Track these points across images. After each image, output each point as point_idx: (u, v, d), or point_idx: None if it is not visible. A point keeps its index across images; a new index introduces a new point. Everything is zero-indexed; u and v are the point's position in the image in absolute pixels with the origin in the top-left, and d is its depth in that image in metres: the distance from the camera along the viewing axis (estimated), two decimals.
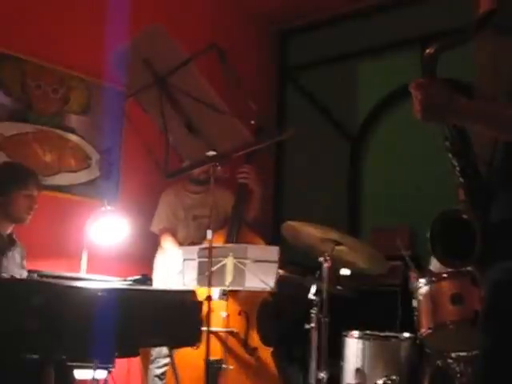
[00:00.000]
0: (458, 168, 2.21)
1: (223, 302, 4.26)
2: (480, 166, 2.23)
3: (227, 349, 4.18)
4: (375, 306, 4.87)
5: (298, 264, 4.81)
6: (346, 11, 6.51)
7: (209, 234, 3.29)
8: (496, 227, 2.10)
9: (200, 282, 3.88)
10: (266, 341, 4.37)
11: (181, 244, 4.75)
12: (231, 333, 4.23)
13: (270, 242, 4.83)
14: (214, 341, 4.08)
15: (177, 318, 3.30)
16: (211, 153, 3.10)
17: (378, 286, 4.85)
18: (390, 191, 6.09)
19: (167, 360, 4.33)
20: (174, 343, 3.45)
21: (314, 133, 6.59)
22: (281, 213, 6.71)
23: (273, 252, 3.95)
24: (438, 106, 2.05)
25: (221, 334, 4.18)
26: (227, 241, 4.55)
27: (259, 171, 5.02)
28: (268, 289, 3.95)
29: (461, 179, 2.22)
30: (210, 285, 3.26)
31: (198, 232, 4.77)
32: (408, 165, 5.89)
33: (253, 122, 4.19)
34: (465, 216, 2.11)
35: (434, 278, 3.58)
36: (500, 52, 2.50)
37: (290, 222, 3.95)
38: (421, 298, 3.64)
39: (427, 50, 2.15)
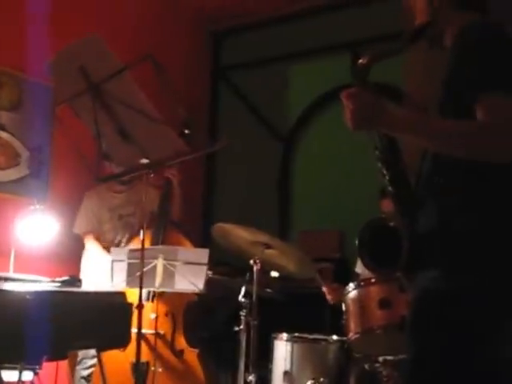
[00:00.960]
0: (387, 177, 2.25)
1: (150, 304, 4.23)
2: (409, 176, 2.28)
3: (154, 351, 4.14)
4: (305, 308, 4.90)
5: (228, 264, 4.82)
6: (279, 14, 6.55)
7: (141, 233, 3.32)
8: (423, 236, 2.14)
9: (129, 284, 3.84)
10: (192, 343, 4.36)
11: (109, 245, 4.69)
12: (158, 335, 4.19)
13: (200, 243, 4.83)
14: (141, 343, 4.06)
15: (106, 320, 3.28)
16: (144, 160, 3.10)
17: (308, 289, 4.88)
18: (319, 193, 6.15)
19: (94, 361, 4.27)
20: (104, 345, 3.41)
21: (246, 134, 6.62)
22: (212, 214, 6.72)
23: (203, 254, 3.97)
24: (368, 116, 2.08)
25: (148, 335, 4.14)
26: (153, 241, 4.49)
27: (184, 171, 4.99)
28: (197, 290, 3.97)
29: (390, 188, 2.25)
30: (141, 287, 3.25)
31: (124, 232, 4.75)
32: (338, 166, 5.97)
33: (187, 131, 4.21)
34: (392, 224, 2.14)
35: (362, 283, 3.62)
36: (431, 64, 2.55)
37: (220, 224, 3.93)
38: (349, 302, 3.68)
39: (360, 60, 2.15)
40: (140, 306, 3.24)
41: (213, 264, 4.24)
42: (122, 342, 3.36)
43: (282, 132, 6.57)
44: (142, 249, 3.28)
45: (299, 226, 6.25)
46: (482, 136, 2.00)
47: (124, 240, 4.72)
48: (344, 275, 4.84)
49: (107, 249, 4.57)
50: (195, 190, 6.39)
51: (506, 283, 2.02)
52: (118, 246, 4.67)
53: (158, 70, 2.68)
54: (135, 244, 4.37)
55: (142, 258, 3.26)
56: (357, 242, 2.20)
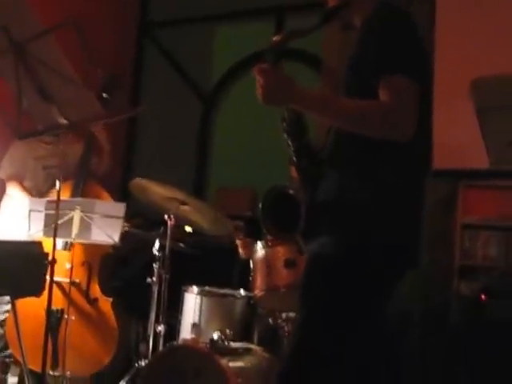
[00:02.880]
0: (292, 148, 2.39)
1: (66, 253, 4.29)
2: (313, 148, 2.43)
3: (69, 299, 4.21)
4: (216, 262, 5.03)
5: (145, 216, 4.90)
6: None
7: (57, 184, 3.38)
8: (320, 204, 2.29)
9: (46, 234, 3.92)
10: (106, 292, 4.45)
11: (28, 193, 4.73)
12: (73, 283, 4.26)
13: (118, 196, 4.89)
14: (56, 291, 4.11)
15: (21, 268, 3.35)
16: (63, 121, 3.16)
17: (220, 244, 4.99)
18: (237, 153, 6.29)
19: (8, 307, 4.32)
20: (18, 293, 3.49)
21: (169, 91, 6.68)
22: (132, 169, 6.78)
23: (120, 208, 4.07)
24: (278, 92, 2.21)
25: (63, 284, 4.21)
26: (73, 193, 4.55)
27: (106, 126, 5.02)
28: (112, 243, 4.07)
29: (294, 158, 2.40)
30: (55, 236, 3.32)
31: (47, 182, 4.79)
32: (256, 129, 6.08)
33: (105, 95, 4.24)
34: (291, 192, 2.28)
35: (269, 243, 3.77)
36: (345, 42, 2.68)
37: (137, 180, 4.01)
38: (257, 260, 3.83)
39: (274, 38, 2.29)
40: (53, 257, 3.31)
41: (130, 216, 4.33)
42: (35, 289, 3.44)
43: (205, 91, 6.66)
44: (58, 200, 3.35)
45: (217, 183, 6.38)
46: (382, 116, 2.14)
47: (45, 190, 4.76)
48: (255, 233, 4.98)
49: (29, 195, 4.63)
50: (116, 145, 6.37)
51: (385, 254, 2.20)
52: (39, 195, 4.70)
53: (79, 34, 2.74)
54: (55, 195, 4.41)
55: (57, 208, 3.33)
56: (259, 207, 2.33)
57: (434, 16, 5.20)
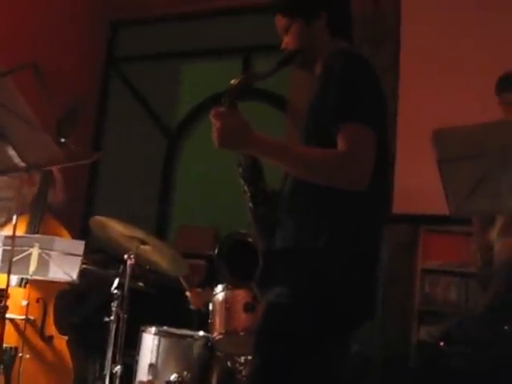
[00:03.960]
0: (248, 194, 2.37)
1: (22, 289, 4.22)
2: (271, 194, 2.41)
3: (23, 337, 4.12)
4: (176, 302, 4.99)
5: (105, 252, 4.84)
6: (179, 11, 6.65)
7: (14, 218, 3.35)
8: (276, 253, 2.27)
9: (2, 270, 3.84)
10: (62, 330, 4.37)
11: None
12: (28, 320, 4.16)
13: (79, 231, 4.84)
14: (10, 328, 4.04)
15: None
16: (20, 163, 3.13)
17: (180, 284, 4.96)
18: (200, 191, 6.28)
19: None
20: None
21: (135, 127, 6.68)
22: (93, 204, 6.73)
23: (78, 246, 4.01)
24: (233, 137, 2.18)
25: (17, 321, 4.12)
26: (29, 227, 4.46)
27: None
28: (70, 280, 4.01)
29: (250, 204, 2.37)
30: (9, 273, 3.28)
31: (1, 214, 4.70)
32: (218, 166, 6.08)
33: (63, 139, 4.21)
34: (250, 239, 2.26)
35: (229, 286, 3.74)
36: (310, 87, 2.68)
37: (97, 217, 3.97)
38: (216, 303, 3.80)
39: (232, 81, 2.27)
40: (6, 294, 3.26)
41: (91, 251, 4.28)
42: None
43: (170, 128, 6.67)
44: (13, 236, 3.33)
45: (179, 220, 6.36)
46: (338, 165, 2.12)
47: (0, 222, 4.68)
48: (216, 274, 4.95)
49: None
50: (78, 180, 6.36)
51: (340, 305, 2.18)
52: None
53: (38, 77, 2.72)
54: (10, 229, 4.35)
55: (13, 244, 3.31)
56: (215, 254, 2.31)
57: (398, 65, 5.28)
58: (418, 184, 4.58)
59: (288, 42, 2.47)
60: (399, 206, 4.39)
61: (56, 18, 6.18)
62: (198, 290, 4.33)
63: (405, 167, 4.87)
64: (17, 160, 3.10)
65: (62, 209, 4.82)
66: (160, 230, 6.35)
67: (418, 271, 5.09)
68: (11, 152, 3.07)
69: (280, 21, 2.50)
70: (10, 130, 3.04)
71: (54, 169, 4.75)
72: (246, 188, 2.37)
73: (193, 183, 6.41)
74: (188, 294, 4.32)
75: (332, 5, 2.47)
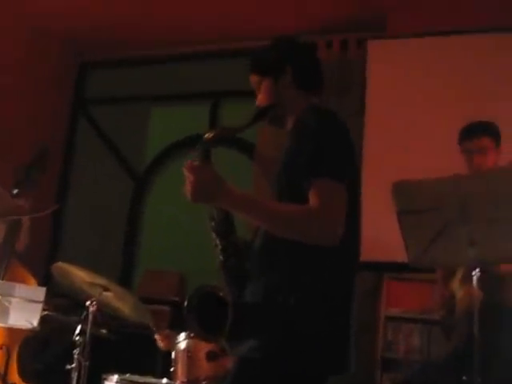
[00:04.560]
0: (219, 247, 2.38)
1: None
2: (242, 247, 2.42)
3: None
4: (139, 349, 4.95)
5: (68, 297, 4.80)
6: (148, 54, 6.71)
7: None
8: (247, 307, 2.27)
9: None
10: (25, 376, 4.31)
11: None
12: None
13: (42, 277, 4.78)
14: None
15: None
16: None
17: (143, 330, 4.92)
18: (166, 235, 6.26)
19: None
20: None
21: (101, 169, 6.66)
22: (58, 248, 6.67)
23: (40, 293, 3.98)
24: (206, 191, 2.19)
25: None
26: None
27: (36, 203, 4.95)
28: (31, 327, 3.95)
29: (221, 257, 2.38)
30: None
31: None
32: (185, 212, 6.08)
33: (16, 191, 4.22)
34: (221, 293, 2.25)
35: (192, 334, 3.73)
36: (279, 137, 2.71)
37: (59, 264, 3.93)
38: (179, 351, 3.79)
39: (206, 135, 2.28)
40: None
41: (53, 295, 4.24)
42: None
43: (137, 171, 6.67)
44: None
45: (145, 264, 6.32)
46: (310, 220, 2.14)
47: None
48: (181, 318, 4.92)
49: None
50: (43, 223, 6.30)
51: (311, 360, 2.18)
52: None
53: None
54: None
55: None
56: (185, 306, 2.30)
57: (364, 112, 5.38)
58: (381, 232, 4.61)
59: (260, 98, 2.53)
60: (363, 254, 4.42)
61: (24, 56, 6.21)
62: (167, 331, 4.30)
63: (368, 215, 4.89)
64: None
65: (27, 253, 4.78)
66: (126, 274, 6.32)
67: (382, 318, 5.11)
68: None
69: (252, 78, 2.57)
70: None
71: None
72: (217, 241, 2.38)
73: (159, 227, 6.39)
74: (157, 336, 4.28)
75: (297, 61, 2.52)
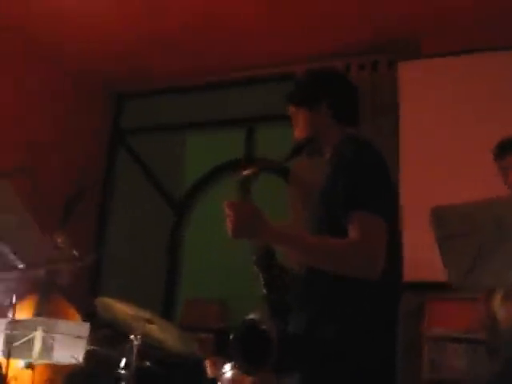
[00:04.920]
0: (262, 280, 2.40)
1: (29, 371, 4.10)
2: (285, 280, 2.44)
3: None
4: (185, 380, 4.96)
5: (113, 327, 4.83)
6: (182, 83, 6.78)
7: (13, 299, 3.34)
8: (290, 340, 2.27)
9: (6, 354, 3.83)
10: None
11: None
12: None
13: (84, 311, 4.82)
14: None
15: None
16: (18, 263, 3.20)
17: (189, 359, 4.92)
18: (207, 263, 6.29)
19: None
20: None
21: (140, 199, 6.73)
22: (100, 280, 6.73)
23: (84, 328, 4.02)
24: (248, 228, 2.22)
25: None
26: (36, 309, 4.46)
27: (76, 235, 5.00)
28: (76, 363, 3.99)
29: (264, 291, 2.40)
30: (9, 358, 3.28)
31: (6, 295, 4.70)
32: (226, 237, 6.09)
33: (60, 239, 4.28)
34: (264, 327, 2.27)
35: (237, 365, 3.72)
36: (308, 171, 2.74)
37: (102, 298, 3.98)
38: (224, 382, 3.79)
39: (245, 172, 2.32)
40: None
41: (96, 327, 4.27)
42: None
43: (176, 200, 6.72)
44: (14, 316, 3.37)
45: (186, 293, 6.35)
46: (350, 254, 2.15)
47: (6, 303, 4.67)
48: (225, 345, 4.91)
49: None
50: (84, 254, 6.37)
51: None
52: None
53: (31, 180, 2.81)
54: (18, 309, 4.35)
55: (12, 328, 3.36)
56: (230, 341, 2.32)
57: (398, 144, 5.38)
58: (423, 252, 4.59)
59: (297, 131, 2.56)
60: (405, 274, 4.40)
61: (60, 92, 6.33)
62: (215, 358, 4.29)
63: (409, 236, 4.88)
64: (14, 260, 3.18)
65: (69, 287, 4.83)
66: (168, 303, 6.35)
67: (425, 339, 5.06)
68: (8, 252, 3.14)
69: (290, 109, 2.60)
70: (7, 231, 3.11)
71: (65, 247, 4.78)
72: (260, 275, 2.40)
73: (199, 254, 6.42)
74: (206, 362, 4.27)
75: (332, 92, 2.54)
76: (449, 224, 2.62)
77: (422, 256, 4.55)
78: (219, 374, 3.94)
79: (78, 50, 6.14)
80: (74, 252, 4.21)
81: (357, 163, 2.28)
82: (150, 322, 3.97)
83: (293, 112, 2.59)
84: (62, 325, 4.00)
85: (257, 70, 6.33)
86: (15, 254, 3.15)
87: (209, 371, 4.26)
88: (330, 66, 2.98)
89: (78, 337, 3.97)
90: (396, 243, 2.37)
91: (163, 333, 4.08)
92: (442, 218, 2.64)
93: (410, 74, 5.53)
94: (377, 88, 5.68)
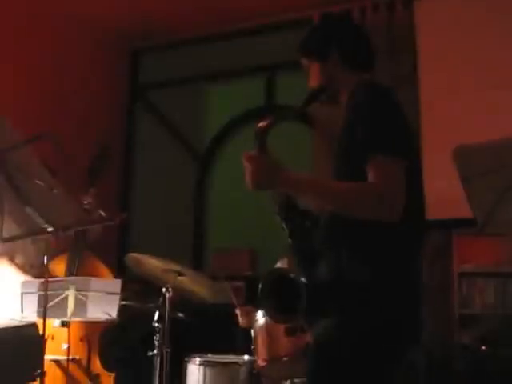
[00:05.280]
0: (286, 230, 2.42)
1: (64, 329, 4.22)
2: (309, 228, 2.45)
3: (69, 377, 4.17)
4: (219, 328, 5.02)
5: (143, 282, 4.89)
6: (197, 35, 6.72)
7: (45, 260, 3.41)
8: (320, 286, 2.30)
9: (40, 315, 3.88)
10: (108, 367, 4.41)
11: (21, 269, 4.71)
12: (73, 360, 4.24)
13: (115, 267, 4.88)
14: (55, 370, 4.13)
15: (19, 353, 3.32)
16: (45, 225, 3.23)
17: (222, 309, 4.96)
18: (233, 213, 6.33)
19: None
20: (17, 380, 3.46)
21: (163, 152, 6.75)
22: (128, 235, 6.79)
23: (115, 285, 4.04)
24: (266, 179, 2.23)
25: (63, 362, 4.17)
26: (68, 268, 4.52)
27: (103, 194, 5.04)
28: (110, 319, 4.05)
29: (289, 240, 2.42)
30: (45, 319, 3.36)
31: (38, 256, 4.75)
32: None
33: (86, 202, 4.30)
34: (292, 275, 2.29)
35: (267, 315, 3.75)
36: (331, 118, 2.72)
37: (132, 254, 4.01)
38: (257, 329, 3.83)
39: (260, 124, 2.31)
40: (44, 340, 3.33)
41: (128, 281, 4.33)
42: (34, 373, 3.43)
43: (199, 151, 6.73)
44: (47, 277, 3.41)
45: (214, 244, 6.41)
46: (370, 197, 2.16)
47: (37, 264, 4.73)
48: (256, 293, 4.95)
49: (22, 270, 4.60)
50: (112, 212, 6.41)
51: (387, 335, 2.21)
52: (32, 270, 4.67)
53: (55, 144, 2.82)
54: (51, 269, 4.41)
55: (46, 287, 3.37)
56: (259, 292, 2.34)
57: (418, 84, 5.32)
58: (447, 189, 4.58)
59: (311, 81, 2.56)
60: (430, 212, 4.40)
61: (75, 51, 6.31)
62: (247, 307, 4.33)
63: (432, 174, 4.86)
64: (41, 223, 3.21)
65: (99, 243, 4.87)
66: (197, 254, 6.41)
67: (455, 275, 5.09)
68: (35, 215, 3.18)
69: (302, 61, 2.60)
70: (31, 194, 3.14)
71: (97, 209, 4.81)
72: (283, 225, 2.42)
73: (225, 205, 6.45)
74: (237, 311, 4.33)
75: (342, 41, 2.54)
76: (473, 163, 2.60)
77: (447, 193, 4.54)
78: (252, 322, 4.00)
79: (92, 8, 6.09)
80: (101, 212, 4.22)
81: (371, 107, 2.28)
82: (180, 274, 4.01)
83: (305, 63, 2.59)
84: (94, 283, 4.02)
85: (273, 16, 6.26)
86: (43, 217, 3.17)
87: (241, 320, 4.32)
88: (340, 13, 2.94)
89: (111, 293, 4.00)
90: (418, 182, 2.38)
91: (194, 284, 4.12)
92: (465, 157, 2.61)
93: (426, 13, 5.43)
94: (394, 28, 5.60)
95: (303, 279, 2.28)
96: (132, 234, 6.75)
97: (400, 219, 2.16)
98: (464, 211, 3.22)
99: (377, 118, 2.25)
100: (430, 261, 4.92)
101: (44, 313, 3.33)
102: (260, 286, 2.34)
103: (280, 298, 2.29)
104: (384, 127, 2.24)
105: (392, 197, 2.16)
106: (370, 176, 2.18)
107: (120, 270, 4.65)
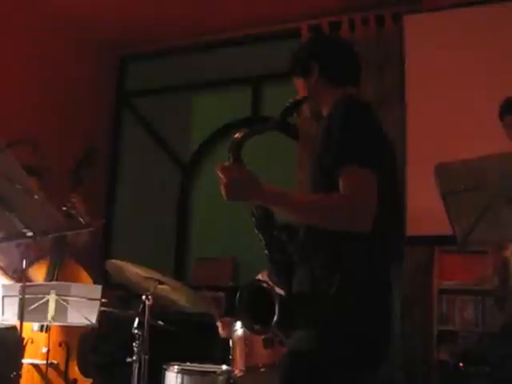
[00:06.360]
0: (263, 241, 2.43)
1: (43, 334, 4.23)
2: (285, 240, 2.46)
3: (47, 381, 4.13)
4: (198, 337, 5.02)
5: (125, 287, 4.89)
6: (186, 44, 6.75)
7: (24, 263, 3.42)
8: (294, 297, 2.32)
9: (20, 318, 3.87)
10: (86, 372, 4.38)
11: (3, 272, 4.69)
12: (51, 365, 4.20)
13: (97, 273, 4.86)
14: (33, 373, 4.10)
15: None
16: (27, 231, 3.24)
17: (201, 318, 4.97)
18: (216, 222, 6.32)
19: None
20: None
21: (148, 160, 6.75)
22: (111, 241, 6.79)
23: (96, 291, 4.04)
24: (240, 190, 2.25)
25: (41, 366, 4.15)
26: (48, 273, 4.50)
27: (86, 199, 5.03)
28: (90, 324, 4.04)
29: (265, 252, 2.43)
30: (21, 322, 3.35)
31: (21, 260, 4.74)
32: None
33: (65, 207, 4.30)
34: (266, 287, 2.30)
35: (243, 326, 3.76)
36: (315, 131, 2.75)
37: (113, 261, 4.01)
38: (236, 339, 3.85)
39: (235, 136, 2.34)
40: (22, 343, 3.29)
41: (108, 288, 4.32)
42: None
43: (183, 159, 6.73)
44: (24, 281, 3.41)
45: (196, 252, 6.41)
46: (340, 208, 2.18)
47: (20, 268, 4.71)
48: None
49: (5, 274, 4.58)
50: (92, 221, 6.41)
51: (357, 348, 2.21)
52: (15, 274, 4.65)
53: (34, 150, 2.83)
54: (31, 273, 4.40)
55: (23, 291, 3.38)
56: (236, 304, 2.35)
57: (404, 98, 5.35)
58: (429, 206, 4.61)
59: (299, 95, 2.58)
60: (413, 229, 4.42)
61: (62, 57, 6.30)
62: (227, 318, 4.35)
63: (416, 190, 4.92)
64: (22, 228, 3.22)
65: (84, 250, 4.86)
66: (179, 264, 6.40)
67: (435, 291, 5.11)
68: (15, 220, 3.18)
69: (294, 80, 2.66)
70: (12, 199, 3.15)
71: (81, 210, 4.80)
72: (260, 237, 2.43)
73: (209, 214, 6.44)
74: (218, 323, 4.34)
75: (322, 58, 2.58)
76: (454, 180, 2.63)
77: (429, 210, 4.57)
78: (231, 333, 4.00)
79: (80, 15, 6.10)
80: (81, 219, 4.22)
81: (343, 120, 2.30)
82: (161, 282, 4.01)
83: (295, 81, 2.64)
84: (74, 288, 4.02)
85: (261, 27, 6.29)
86: (22, 222, 3.18)
87: (221, 331, 4.33)
88: (323, 31, 2.97)
89: (91, 299, 4.00)
90: (395, 196, 2.40)
91: (174, 293, 4.12)
92: (446, 174, 2.65)
93: (415, 27, 5.48)
94: (383, 42, 5.64)
95: (279, 291, 2.30)
96: (115, 242, 6.74)
97: (373, 232, 2.18)
98: (446, 228, 3.25)
99: (348, 130, 2.28)
100: (412, 276, 4.94)
101: (21, 316, 3.33)
102: (237, 297, 2.35)
103: (256, 309, 2.30)
104: (354, 139, 2.26)
105: (362, 207, 2.18)
106: (341, 187, 2.21)
107: (100, 276, 4.63)
